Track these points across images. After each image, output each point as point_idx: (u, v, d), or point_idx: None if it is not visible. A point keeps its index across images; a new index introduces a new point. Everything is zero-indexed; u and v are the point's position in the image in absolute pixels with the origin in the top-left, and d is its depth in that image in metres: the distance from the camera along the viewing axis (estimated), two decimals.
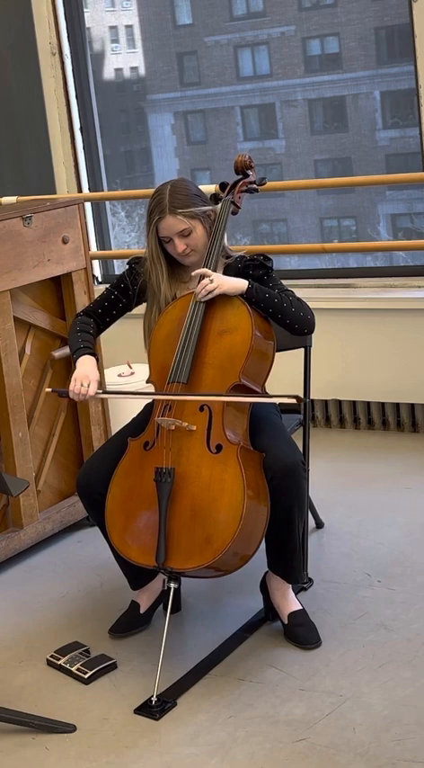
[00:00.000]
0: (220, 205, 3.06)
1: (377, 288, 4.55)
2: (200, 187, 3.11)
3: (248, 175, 3.12)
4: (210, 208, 3.02)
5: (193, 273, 2.96)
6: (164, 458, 2.83)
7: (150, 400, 3.06)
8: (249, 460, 2.79)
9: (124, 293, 3.13)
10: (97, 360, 3.04)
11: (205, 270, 2.93)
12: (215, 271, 2.96)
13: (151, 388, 3.05)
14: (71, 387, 2.95)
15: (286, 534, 2.90)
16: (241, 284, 2.92)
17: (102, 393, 3.04)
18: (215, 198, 3.09)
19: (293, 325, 2.97)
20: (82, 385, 2.93)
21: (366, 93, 4.83)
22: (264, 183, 3.17)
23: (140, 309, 3.14)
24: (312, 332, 3.03)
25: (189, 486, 2.79)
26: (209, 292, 2.90)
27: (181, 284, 3.08)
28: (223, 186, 3.13)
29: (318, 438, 4.43)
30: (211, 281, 2.89)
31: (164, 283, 3.03)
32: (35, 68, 5.25)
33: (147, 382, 3.04)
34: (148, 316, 3.08)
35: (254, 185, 3.13)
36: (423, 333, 4.36)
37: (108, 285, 3.18)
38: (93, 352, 3.04)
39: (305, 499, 2.99)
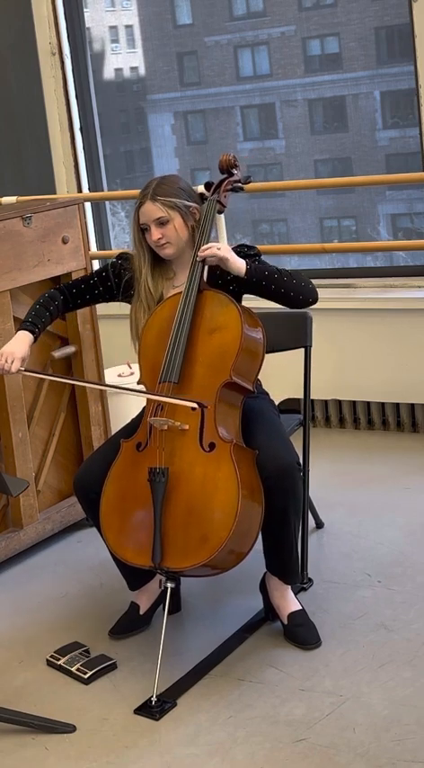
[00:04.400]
0: (205, 204, 3.07)
1: (377, 288, 4.55)
2: (195, 188, 3.12)
3: (233, 174, 3.13)
4: (194, 204, 3.03)
5: (199, 253, 2.94)
6: (158, 458, 2.83)
7: (83, 386, 3.03)
8: (242, 458, 2.79)
9: (103, 282, 3.14)
10: (35, 337, 3.07)
11: (212, 243, 2.93)
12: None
13: (143, 389, 3.05)
14: None
15: (282, 535, 2.90)
16: (241, 264, 2.92)
17: (25, 371, 3.07)
18: (200, 197, 3.10)
19: (297, 297, 2.97)
20: (6, 361, 2.99)
21: (366, 93, 4.83)
22: (249, 182, 3.18)
23: None
24: (316, 300, 3.01)
25: (183, 485, 2.79)
26: (213, 255, 2.89)
27: (165, 281, 3.09)
28: (208, 186, 3.14)
29: (318, 438, 4.43)
30: (219, 249, 2.89)
31: (146, 268, 3.05)
32: (35, 68, 5.25)
33: (138, 383, 3.04)
34: (134, 306, 3.10)
35: (239, 184, 3.15)
36: (423, 333, 4.37)
37: (93, 270, 3.20)
38: (34, 330, 3.08)
39: (301, 500, 2.98)
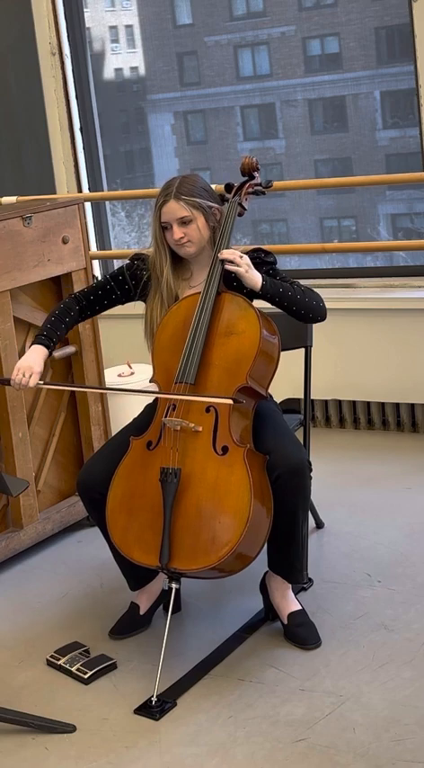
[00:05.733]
0: (227, 206, 3.06)
1: (377, 288, 4.55)
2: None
3: (254, 177, 3.12)
4: (215, 205, 3.02)
5: (220, 253, 2.93)
6: (170, 458, 2.83)
7: (94, 392, 3.02)
8: (255, 463, 2.79)
9: (120, 286, 3.13)
10: (50, 353, 3.08)
11: (235, 250, 2.93)
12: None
13: (154, 388, 3.05)
14: (13, 376, 3.01)
15: (290, 534, 2.90)
16: (258, 279, 2.92)
17: (44, 384, 3.08)
18: (221, 199, 3.09)
19: (307, 315, 2.99)
20: (23, 375, 2.99)
21: (366, 93, 4.83)
22: (270, 186, 3.16)
23: (139, 309, 3.14)
24: (324, 319, 3.04)
25: (194, 486, 2.78)
26: (234, 262, 2.88)
27: (182, 281, 3.09)
28: (228, 188, 3.12)
29: (318, 438, 4.42)
30: (241, 257, 2.89)
31: (167, 268, 3.04)
32: (35, 68, 5.25)
33: (151, 382, 3.04)
34: (150, 305, 3.08)
35: (261, 187, 3.13)
36: (423, 333, 4.37)
37: (107, 274, 3.19)
38: (50, 344, 3.07)
39: (309, 499, 2.99)
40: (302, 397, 3.44)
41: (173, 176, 3.06)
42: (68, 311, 3.13)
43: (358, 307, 4.48)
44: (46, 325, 3.11)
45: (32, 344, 3.07)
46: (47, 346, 3.06)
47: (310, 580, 3.27)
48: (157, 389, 3.01)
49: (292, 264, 5.06)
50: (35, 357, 3.03)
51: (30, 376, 2.98)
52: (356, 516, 3.76)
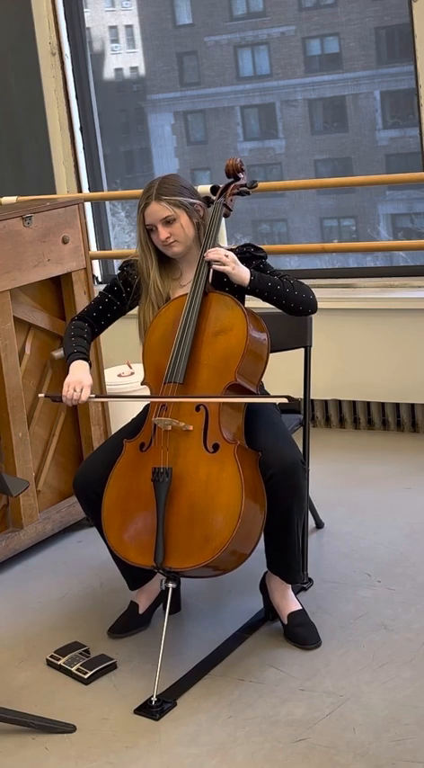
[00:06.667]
0: (212, 208, 3.08)
1: (377, 288, 4.55)
2: (198, 188, 3.14)
3: (239, 178, 3.15)
4: (198, 201, 3.04)
5: (206, 254, 2.95)
6: (162, 458, 2.83)
7: (144, 402, 3.09)
8: (246, 459, 2.80)
9: (117, 296, 3.14)
10: (90, 364, 3.08)
11: (220, 249, 2.95)
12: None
13: (146, 390, 3.06)
14: (64, 392, 3.01)
15: (285, 534, 2.90)
16: (246, 275, 2.94)
17: (95, 397, 3.09)
18: (207, 201, 3.11)
19: (297, 308, 3.00)
20: (74, 390, 2.98)
21: (366, 93, 4.83)
22: (255, 186, 3.19)
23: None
24: (315, 311, 3.05)
25: (186, 485, 2.79)
26: (220, 262, 2.90)
27: (172, 281, 3.10)
28: (214, 189, 3.15)
29: (318, 438, 4.42)
30: (226, 257, 2.91)
31: (154, 270, 3.06)
32: (35, 68, 5.25)
33: (142, 384, 3.05)
34: (142, 307, 3.10)
35: (245, 188, 3.16)
36: (423, 333, 4.37)
37: (101, 289, 3.21)
38: (86, 357, 3.08)
39: (305, 499, 3.00)
40: (302, 397, 3.44)
41: (153, 179, 3.08)
42: (82, 329, 3.14)
43: (358, 307, 4.48)
44: (70, 343, 3.10)
45: (70, 363, 3.06)
46: (85, 359, 3.07)
47: (310, 580, 3.28)
48: (149, 392, 3.02)
49: (292, 264, 5.06)
50: (81, 372, 3.03)
51: (82, 390, 2.99)
52: (356, 516, 3.76)
